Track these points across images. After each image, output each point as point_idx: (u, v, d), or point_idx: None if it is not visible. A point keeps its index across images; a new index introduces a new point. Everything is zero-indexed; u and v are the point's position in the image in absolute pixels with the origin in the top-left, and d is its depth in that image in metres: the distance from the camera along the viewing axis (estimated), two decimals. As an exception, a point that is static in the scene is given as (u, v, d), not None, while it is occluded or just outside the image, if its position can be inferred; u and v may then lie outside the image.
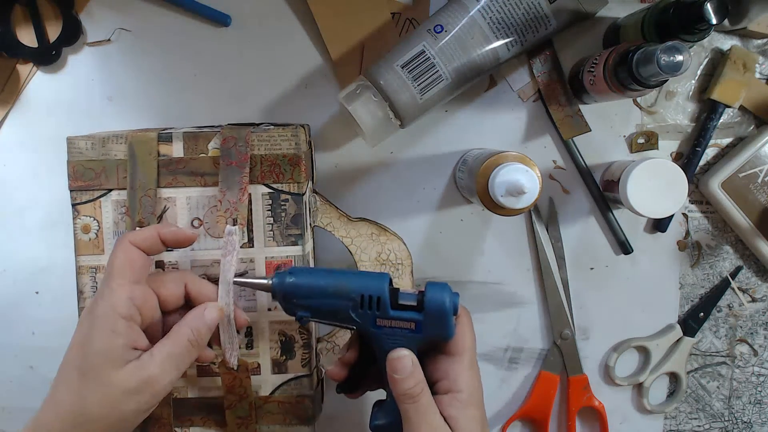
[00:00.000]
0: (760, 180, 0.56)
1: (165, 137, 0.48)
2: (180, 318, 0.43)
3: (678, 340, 0.59)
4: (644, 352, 0.60)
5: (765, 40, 0.57)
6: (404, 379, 0.41)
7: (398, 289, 0.43)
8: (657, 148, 0.58)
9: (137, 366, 0.39)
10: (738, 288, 0.59)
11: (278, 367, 0.49)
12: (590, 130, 0.57)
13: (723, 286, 0.59)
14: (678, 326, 0.59)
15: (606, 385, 0.60)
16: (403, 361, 0.41)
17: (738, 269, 0.59)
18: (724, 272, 0.59)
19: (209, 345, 0.48)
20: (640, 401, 0.59)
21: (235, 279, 0.45)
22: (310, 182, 0.52)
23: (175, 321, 0.43)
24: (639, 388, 0.60)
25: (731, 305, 0.59)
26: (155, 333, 0.43)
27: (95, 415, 0.38)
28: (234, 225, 0.47)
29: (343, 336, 0.55)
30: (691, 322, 0.59)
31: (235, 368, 0.47)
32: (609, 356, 0.59)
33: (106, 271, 0.41)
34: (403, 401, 0.41)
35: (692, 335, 0.59)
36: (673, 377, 0.60)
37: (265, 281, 0.44)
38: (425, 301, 0.42)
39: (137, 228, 0.47)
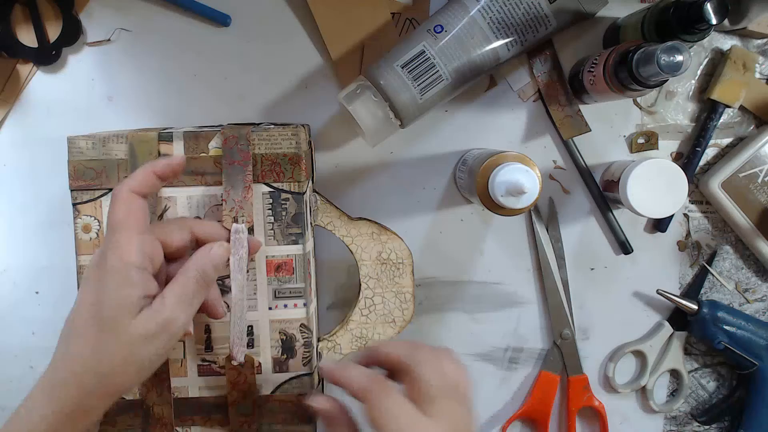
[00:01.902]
0: (760, 180, 0.56)
1: (165, 137, 0.48)
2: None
3: (670, 336, 0.59)
4: (640, 356, 0.60)
5: (765, 40, 0.57)
6: None
7: None
8: (657, 148, 0.58)
9: (151, 311, 0.39)
10: (738, 288, 0.60)
11: (279, 366, 0.49)
12: (590, 130, 0.57)
13: (702, 275, 0.59)
14: (667, 323, 0.59)
15: (606, 387, 0.60)
16: None
17: (713, 255, 0.59)
18: (724, 272, 0.59)
19: (210, 347, 0.48)
20: (647, 403, 0.59)
21: (660, 291, 0.56)
22: (311, 181, 0.52)
23: (177, 270, 0.43)
24: (643, 391, 0.60)
25: (731, 305, 0.59)
26: (160, 282, 0.43)
27: (115, 365, 0.38)
28: (240, 223, 0.47)
29: (344, 335, 0.55)
30: (679, 316, 0.59)
31: (242, 364, 0.47)
32: (607, 366, 0.59)
33: (109, 224, 0.41)
34: None
35: (683, 328, 0.59)
36: (674, 374, 0.60)
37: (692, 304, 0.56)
38: None
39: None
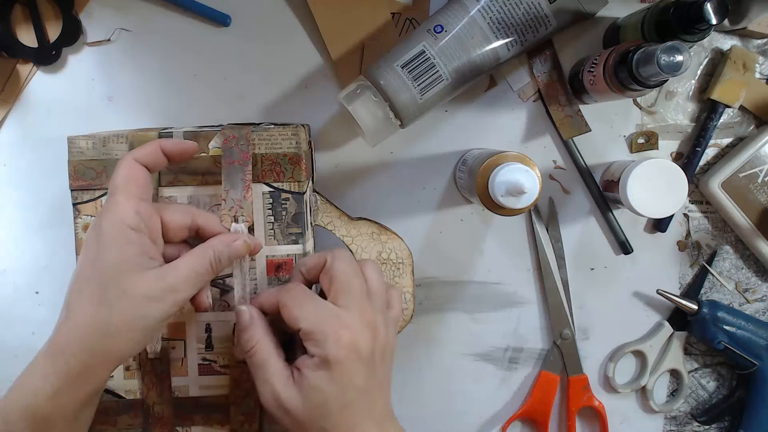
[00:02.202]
0: (760, 180, 0.56)
1: (165, 137, 0.48)
2: (180, 251, 0.43)
3: (670, 336, 0.59)
4: (640, 356, 0.60)
5: (765, 40, 0.58)
6: None
7: None
8: (657, 148, 0.58)
9: (158, 274, 0.39)
10: (738, 288, 0.60)
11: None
12: (590, 130, 0.57)
13: (702, 275, 0.59)
14: (667, 323, 0.59)
15: (606, 387, 0.60)
16: None
17: (713, 255, 0.59)
18: (724, 272, 0.59)
19: (211, 346, 0.48)
20: (647, 403, 0.59)
21: (660, 291, 0.56)
22: (311, 181, 0.52)
23: (173, 254, 0.43)
24: (643, 391, 0.60)
25: (731, 305, 0.59)
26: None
27: (119, 324, 0.38)
28: (239, 223, 0.47)
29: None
30: (679, 316, 0.59)
31: (243, 361, 0.47)
32: (607, 366, 0.59)
33: (110, 189, 0.41)
34: None
35: (683, 328, 0.59)
36: (674, 374, 0.60)
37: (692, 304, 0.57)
38: None
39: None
